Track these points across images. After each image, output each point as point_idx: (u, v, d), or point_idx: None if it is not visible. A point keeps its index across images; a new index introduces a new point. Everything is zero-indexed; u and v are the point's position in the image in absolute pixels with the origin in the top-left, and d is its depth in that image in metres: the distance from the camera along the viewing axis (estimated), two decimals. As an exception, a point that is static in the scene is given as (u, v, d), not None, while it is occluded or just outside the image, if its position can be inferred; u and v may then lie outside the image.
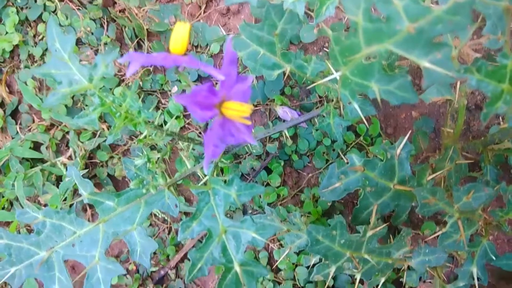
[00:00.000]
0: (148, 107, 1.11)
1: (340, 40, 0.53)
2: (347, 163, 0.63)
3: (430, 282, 0.86)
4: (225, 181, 0.60)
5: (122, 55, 1.11)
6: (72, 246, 0.70)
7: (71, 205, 0.73)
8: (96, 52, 1.13)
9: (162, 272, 1.14)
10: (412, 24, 0.43)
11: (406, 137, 0.62)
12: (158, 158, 0.64)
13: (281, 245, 0.96)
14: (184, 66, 0.45)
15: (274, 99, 0.96)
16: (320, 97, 0.94)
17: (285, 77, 0.72)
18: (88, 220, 1.19)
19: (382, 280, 0.71)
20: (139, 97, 1.11)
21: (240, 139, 0.50)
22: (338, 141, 0.85)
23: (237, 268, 0.58)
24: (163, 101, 1.11)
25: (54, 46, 0.57)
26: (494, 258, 0.68)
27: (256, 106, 1.00)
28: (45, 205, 1.20)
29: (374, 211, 0.63)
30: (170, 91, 1.10)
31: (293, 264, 0.95)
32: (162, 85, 1.10)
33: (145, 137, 0.61)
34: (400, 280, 0.80)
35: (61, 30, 0.57)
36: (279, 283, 0.97)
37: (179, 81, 1.09)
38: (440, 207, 0.61)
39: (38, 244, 0.70)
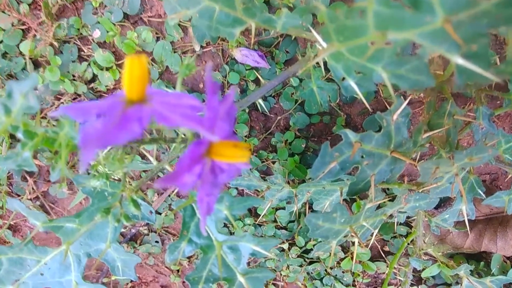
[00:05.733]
0: (68, 59, 0.91)
1: (337, 18, 0.41)
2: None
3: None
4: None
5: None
6: (41, 274, 0.61)
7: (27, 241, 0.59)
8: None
9: (133, 231, 1.08)
10: (450, 17, 0.32)
11: (406, 102, 0.54)
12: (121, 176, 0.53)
13: (258, 194, 0.92)
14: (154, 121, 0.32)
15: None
16: (280, 31, 0.80)
17: (252, 36, 0.58)
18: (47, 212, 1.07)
19: (376, 231, 0.70)
20: (53, 49, 0.89)
21: (233, 171, 0.40)
22: (323, 107, 0.75)
23: (241, 279, 0.54)
24: (84, 49, 0.90)
25: None
26: (481, 192, 0.69)
27: (205, 46, 0.84)
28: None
29: (373, 183, 0.59)
30: (91, 35, 0.89)
31: (273, 208, 0.92)
32: (78, 29, 0.88)
33: (95, 165, 0.48)
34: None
35: None
36: (260, 225, 0.96)
37: (100, 22, 0.87)
38: (441, 171, 0.57)
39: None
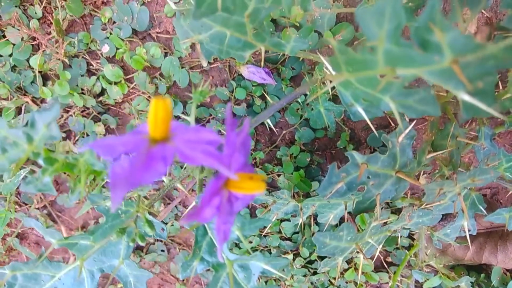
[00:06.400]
0: (77, 73, 0.92)
1: (347, 52, 0.42)
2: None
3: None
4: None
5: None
6: (54, 290, 0.63)
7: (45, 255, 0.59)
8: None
9: (140, 240, 1.10)
10: (458, 58, 0.34)
11: (411, 125, 0.56)
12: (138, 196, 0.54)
13: (264, 206, 0.93)
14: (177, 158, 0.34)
15: (233, 55, 0.82)
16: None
17: (262, 58, 0.60)
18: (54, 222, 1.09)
19: (380, 246, 0.72)
20: (62, 63, 0.91)
21: (248, 199, 0.42)
22: (330, 129, 0.77)
23: (251, 296, 0.55)
24: (93, 63, 0.92)
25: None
26: (482, 208, 0.71)
27: (213, 62, 0.86)
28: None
29: (378, 202, 0.60)
30: (100, 50, 0.91)
31: (278, 220, 0.94)
32: (87, 44, 0.90)
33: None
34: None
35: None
36: (265, 236, 0.97)
37: (109, 38, 0.89)
38: (444, 191, 0.59)
39: (13, 296, 0.62)
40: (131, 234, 0.54)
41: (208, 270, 1.09)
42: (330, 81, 0.60)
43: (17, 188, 1.09)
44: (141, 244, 0.53)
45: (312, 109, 0.63)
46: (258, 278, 0.73)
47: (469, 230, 0.71)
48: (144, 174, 0.31)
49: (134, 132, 0.35)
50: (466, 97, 0.37)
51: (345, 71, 0.46)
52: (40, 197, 1.13)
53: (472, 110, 0.38)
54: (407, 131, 0.56)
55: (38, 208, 1.14)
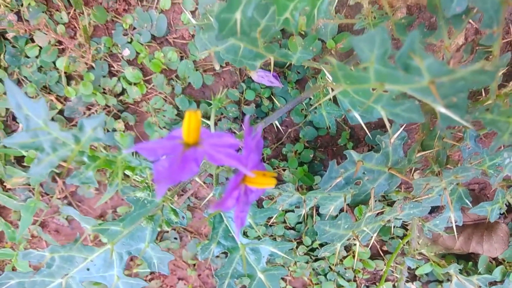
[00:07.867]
0: (99, 74, 1.00)
1: (345, 68, 0.50)
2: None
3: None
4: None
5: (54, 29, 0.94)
6: (87, 270, 0.72)
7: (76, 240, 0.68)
8: (19, 15, 0.95)
9: (155, 228, 1.19)
10: (434, 79, 0.42)
11: (402, 128, 0.64)
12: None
13: (270, 198, 1.01)
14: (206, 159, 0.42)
15: (244, 60, 0.90)
16: (293, 54, 0.89)
17: (271, 67, 0.68)
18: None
19: (375, 235, 0.80)
20: (86, 66, 0.99)
21: (261, 191, 0.50)
22: (331, 130, 0.85)
23: (260, 275, 0.64)
24: (114, 65, 1.00)
25: (23, 114, 0.49)
26: (468, 202, 0.78)
27: (224, 66, 0.94)
28: (11, 189, 1.14)
29: (372, 195, 0.68)
30: (120, 53, 0.99)
31: (283, 211, 1.02)
32: (109, 48, 0.98)
33: (143, 181, 0.58)
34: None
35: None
36: (271, 226, 1.06)
37: (130, 42, 0.97)
38: (431, 186, 0.67)
39: (51, 274, 0.71)
40: (157, 221, 0.63)
41: (218, 257, 1.17)
42: (332, 89, 0.68)
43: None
44: (167, 229, 0.61)
45: (315, 112, 0.71)
46: (266, 262, 0.82)
47: (455, 222, 0.79)
48: (181, 173, 0.39)
49: (170, 137, 0.43)
50: (442, 110, 0.45)
51: (343, 83, 0.53)
52: (62, 188, 1.22)
53: (447, 120, 0.46)
54: (398, 133, 0.64)
55: (59, 198, 1.23)
